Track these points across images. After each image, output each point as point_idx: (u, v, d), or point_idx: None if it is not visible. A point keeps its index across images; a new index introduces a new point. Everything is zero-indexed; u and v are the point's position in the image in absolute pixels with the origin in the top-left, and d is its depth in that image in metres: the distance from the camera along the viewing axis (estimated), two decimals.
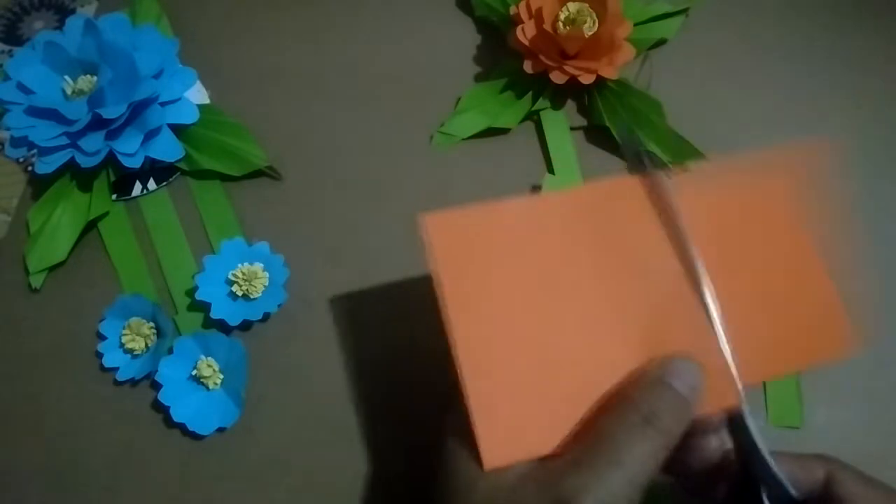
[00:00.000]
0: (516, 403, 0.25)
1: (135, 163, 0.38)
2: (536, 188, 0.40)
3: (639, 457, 0.23)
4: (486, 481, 0.24)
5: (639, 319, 0.26)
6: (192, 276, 0.37)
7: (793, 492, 0.25)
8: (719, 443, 0.27)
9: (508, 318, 0.26)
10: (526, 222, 0.27)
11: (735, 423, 0.26)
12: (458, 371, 0.25)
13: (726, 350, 0.26)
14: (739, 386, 0.25)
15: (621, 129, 0.39)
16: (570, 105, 0.43)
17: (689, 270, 0.27)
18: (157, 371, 0.35)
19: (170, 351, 0.35)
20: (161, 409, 0.35)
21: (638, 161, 0.29)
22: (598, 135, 0.42)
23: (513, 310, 0.26)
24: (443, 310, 0.25)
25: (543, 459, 0.24)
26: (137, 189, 0.41)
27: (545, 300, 0.26)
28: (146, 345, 0.36)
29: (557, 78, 0.40)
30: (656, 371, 0.25)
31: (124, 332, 0.36)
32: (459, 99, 0.43)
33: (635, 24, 0.42)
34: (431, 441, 0.27)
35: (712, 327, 0.26)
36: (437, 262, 0.25)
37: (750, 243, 0.28)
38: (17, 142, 0.38)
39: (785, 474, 0.25)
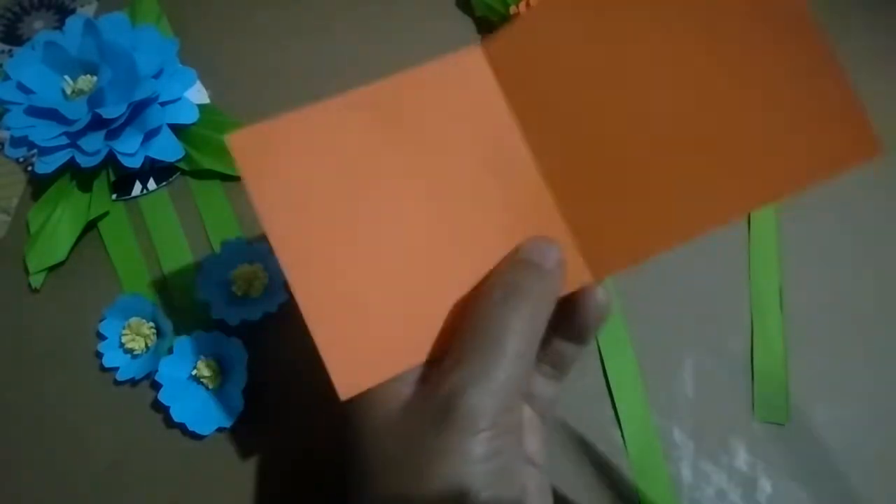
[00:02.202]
0: (365, 322, 0.23)
1: (135, 163, 0.38)
2: None
3: (514, 330, 0.22)
4: (379, 409, 0.23)
5: (486, 209, 0.25)
6: (192, 276, 0.37)
7: None
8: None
9: (340, 232, 0.24)
10: (343, 121, 0.24)
11: None
12: (296, 300, 0.23)
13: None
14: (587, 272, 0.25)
15: None
16: None
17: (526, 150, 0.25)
18: (157, 371, 0.35)
19: (170, 351, 0.35)
20: (161, 408, 0.35)
21: None
22: None
23: (344, 222, 0.24)
24: (266, 234, 0.23)
25: (426, 378, 0.23)
26: (137, 189, 0.41)
27: (377, 205, 0.24)
28: (146, 345, 0.36)
29: None
30: (512, 253, 0.24)
31: (124, 331, 0.36)
32: None
33: None
34: None
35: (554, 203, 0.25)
36: (250, 182, 0.23)
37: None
38: (16, 142, 0.38)
39: None
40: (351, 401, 0.23)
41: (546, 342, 0.27)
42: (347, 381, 0.23)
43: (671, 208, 0.23)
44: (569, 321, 0.27)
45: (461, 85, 0.25)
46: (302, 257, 0.23)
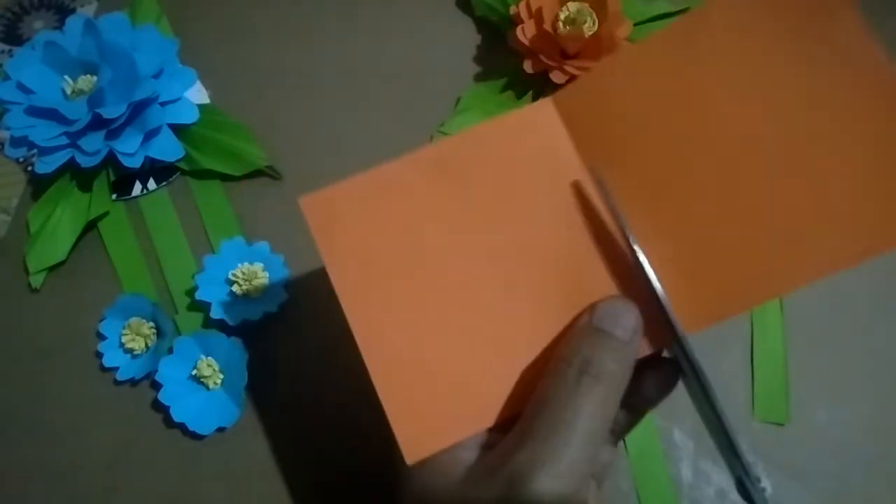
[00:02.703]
0: (432, 386, 0.23)
1: (135, 163, 0.38)
2: None
3: (586, 413, 0.21)
4: (439, 478, 0.22)
5: (556, 268, 0.24)
6: (192, 276, 0.37)
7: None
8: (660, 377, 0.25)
9: (407, 293, 0.24)
10: (412, 182, 0.24)
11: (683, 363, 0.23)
12: (365, 363, 0.23)
13: (657, 286, 0.23)
14: (678, 325, 0.23)
15: None
16: None
17: (597, 203, 0.24)
18: (157, 371, 0.35)
19: (170, 351, 0.35)
20: (161, 408, 0.35)
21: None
22: None
23: (411, 283, 0.24)
24: (338, 298, 0.23)
25: (491, 443, 0.23)
26: (137, 189, 0.41)
27: (444, 265, 0.24)
28: (146, 344, 0.36)
29: (557, 78, 0.40)
30: (584, 319, 0.23)
31: (124, 331, 0.36)
32: (459, 99, 0.43)
33: (635, 24, 0.42)
34: None
35: (638, 264, 0.23)
36: (322, 247, 0.24)
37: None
38: (17, 141, 0.38)
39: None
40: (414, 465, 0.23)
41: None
42: (414, 446, 0.23)
43: (755, 268, 0.23)
44: (632, 390, 0.24)
45: (531, 139, 0.25)
46: (371, 319, 0.23)
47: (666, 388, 0.25)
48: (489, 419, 0.23)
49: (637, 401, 0.25)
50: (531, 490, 0.20)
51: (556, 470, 0.20)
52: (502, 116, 0.24)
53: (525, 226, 0.24)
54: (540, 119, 0.25)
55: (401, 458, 0.23)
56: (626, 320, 0.22)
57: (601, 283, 0.24)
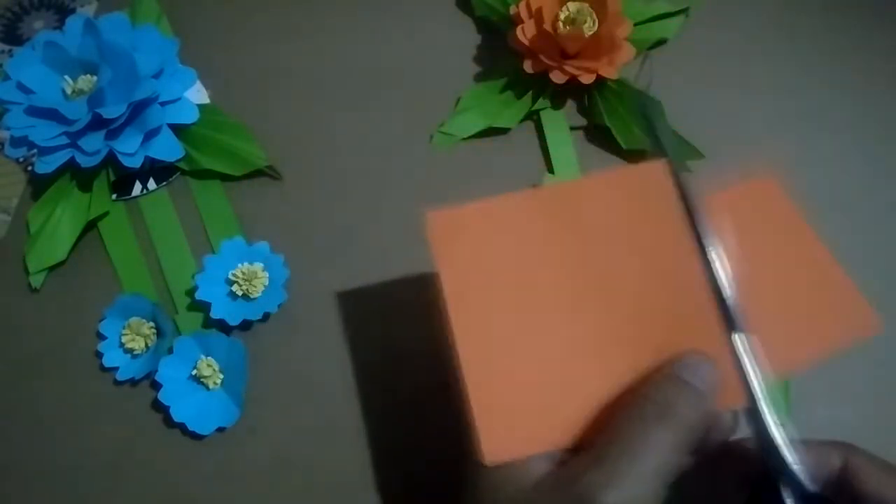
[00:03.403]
0: (518, 399, 0.25)
1: (135, 163, 0.38)
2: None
3: (658, 449, 0.22)
4: (510, 485, 0.24)
5: (648, 315, 0.26)
6: (192, 276, 0.37)
7: (809, 486, 0.24)
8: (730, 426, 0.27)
9: (510, 313, 0.26)
10: (527, 216, 0.27)
11: (752, 417, 0.25)
12: (459, 367, 0.25)
13: (739, 346, 0.25)
14: (756, 384, 0.25)
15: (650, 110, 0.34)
16: (570, 105, 0.43)
17: (696, 264, 0.26)
18: (157, 371, 0.35)
19: (170, 351, 0.35)
20: (161, 408, 0.35)
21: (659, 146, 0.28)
22: (598, 135, 0.42)
23: (515, 305, 0.26)
24: (444, 306, 0.25)
25: (563, 460, 0.24)
26: (137, 189, 0.41)
27: (548, 295, 0.26)
28: (146, 344, 0.36)
29: (557, 78, 0.40)
30: (670, 366, 0.24)
31: (124, 331, 0.36)
32: (459, 99, 0.43)
33: (635, 24, 0.42)
34: (430, 440, 0.27)
35: (725, 323, 0.25)
36: (439, 259, 0.26)
37: (760, 237, 0.28)
38: (16, 141, 0.38)
39: (801, 467, 0.25)
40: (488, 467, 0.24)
41: None
42: (494, 448, 0.24)
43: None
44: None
45: (641, 195, 0.27)
46: (470, 327, 0.25)
47: (727, 435, 0.27)
48: (566, 439, 0.25)
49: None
50: None
51: (623, 495, 0.21)
52: (619, 169, 0.27)
53: (625, 271, 0.26)
54: (652, 177, 0.27)
55: (474, 459, 0.24)
56: (706, 373, 0.24)
57: (686, 337, 0.25)
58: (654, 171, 0.27)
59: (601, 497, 0.21)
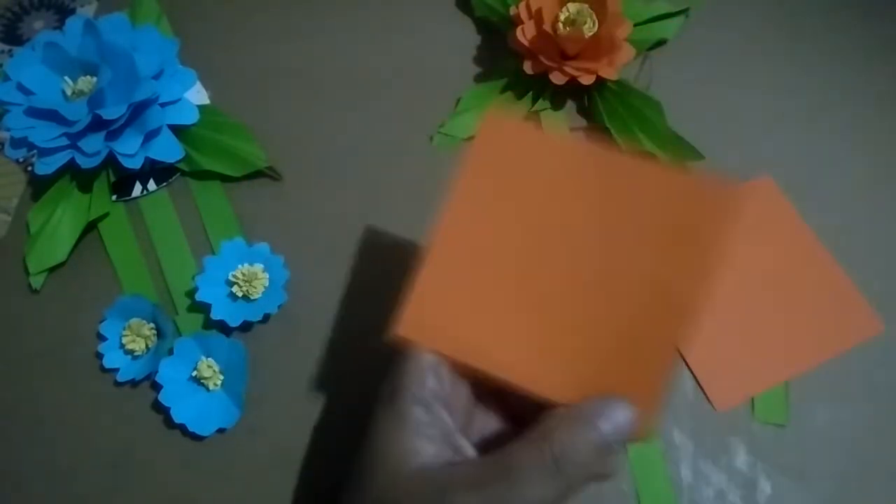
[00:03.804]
0: (458, 302, 0.26)
1: (135, 163, 0.38)
2: None
3: (534, 497, 0.22)
4: (394, 461, 0.24)
5: (615, 306, 0.25)
6: (193, 277, 0.37)
7: None
8: None
9: (499, 233, 0.26)
10: (571, 163, 0.27)
11: None
12: (426, 254, 0.26)
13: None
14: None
15: None
16: (570, 105, 0.43)
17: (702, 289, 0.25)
18: (157, 372, 0.35)
19: (170, 352, 0.35)
20: (161, 410, 0.35)
21: None
22: (597, 135, 0.41)
23: (507, 229, 0.26)
24: (449, 197, 0.26)
25: (454, 462, 0.24)
26: (137, 190, 0.41)
27: (543, 236, 0.26)
28: (146, 346, 0.36)
29: (557, 79, 0.40)
30: (585, 408, 0.23)
31: (124, 332, 0.36)
32: (459, 99, 0.43)
33: (635, 25, 0.42)
34: None
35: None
36: (473, 156, 0.27)
37: (760, 239, 0.28)
38: (17, 142, 0.38)
39: None
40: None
41: None
42: (412, 326, 0.25)
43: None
44: None
45: (692, 203, 0.26)
46: (459, 227, 0.26)
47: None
48: (479, 360, 0.25)
49: None
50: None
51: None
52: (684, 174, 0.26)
53: (622, 258, 0.26)
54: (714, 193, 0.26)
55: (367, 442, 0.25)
56: (619, 418, 0.23)
57: (632, 345, 0.25)
58: (722, 194, 0.26)
59: None
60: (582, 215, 0.26)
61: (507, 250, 0.26)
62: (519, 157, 0.27)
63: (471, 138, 0.41)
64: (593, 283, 0.26)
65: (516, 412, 0.28)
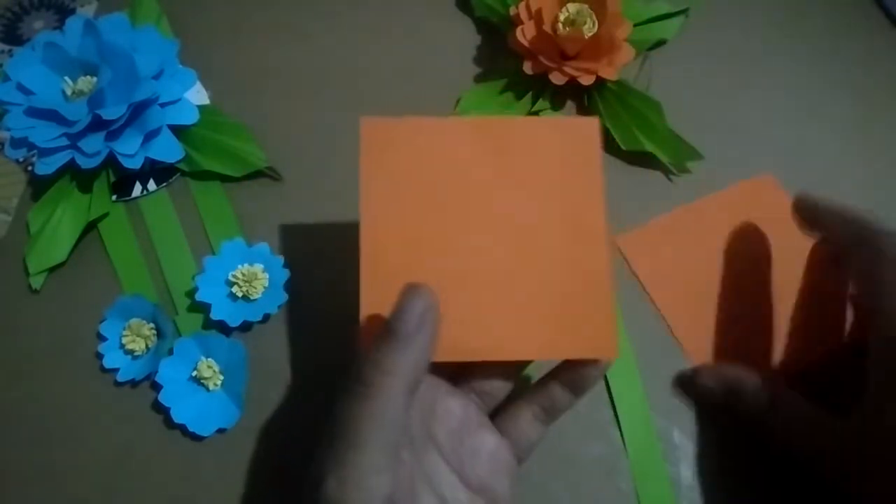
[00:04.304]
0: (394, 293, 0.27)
1: (135, 164, 0.38)
2: None
3: (353, 425, 0.23)
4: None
5: (536, 256, 0.28)
6: (193, 277, 0.37)
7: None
8: None
9: (416, 222, 0.28)
10: (456, 140, 0.29)
11: None
12: (361, 262, 0.27)
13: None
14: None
15: None
16: (570, 106, 0.43)
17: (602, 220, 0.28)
18: (157, 372, 0.35)
19: (170, 352, 0.35)
20: (161, 410, 0.35)
21: None
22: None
23: (421, 216, 0.28)
24: (360, 206, 0.28)
25: None
26: (137, 190, 0.41)
27: (454, 214, 0.28)
28: (146, 346, 0.36)
29: (557, 79, 0.40)
30: (387, 322, 0.25)
31: (124, 332, 0.36)
32: (459, 100, 0.43)
33: (635, 25, 0.42)
34: None
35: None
36: (364, 162, 0.28)
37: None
38: (16, 142, 0.38)
39: None
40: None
41: (542, 384, 0.29)
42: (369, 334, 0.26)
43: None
44: (569, 371, 0.29)
45: (568, 145, 0.29)
46: (378, 227, 0.28)
47: (601, 372, 0.29)
48: (462, 354, 0.27)
49: (572, 382, 0.29)
50: (326, 497, 0.22)
51: (340, 476, 0.23)
52: (552, 118, 0.31)
53: (528, 212, 0.28)
54: (583, 130, 0.30)
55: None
56: (417, 306, 0.25)
57: (565, 286, 0.28)
58: (586, 126, 0.29)
59: (327, 481, 0.23)
60: (483, 184, 0.28)
61: (430, 238, 0.28)
62: (408, 148, 0.28)
63: None
64: (516, 243, 0.28)
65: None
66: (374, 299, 0.27)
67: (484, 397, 0.30)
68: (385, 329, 0.24)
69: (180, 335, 0.37)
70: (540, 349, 0.27)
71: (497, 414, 0.30)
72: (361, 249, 0.28)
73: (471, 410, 0.29)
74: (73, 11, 0.47)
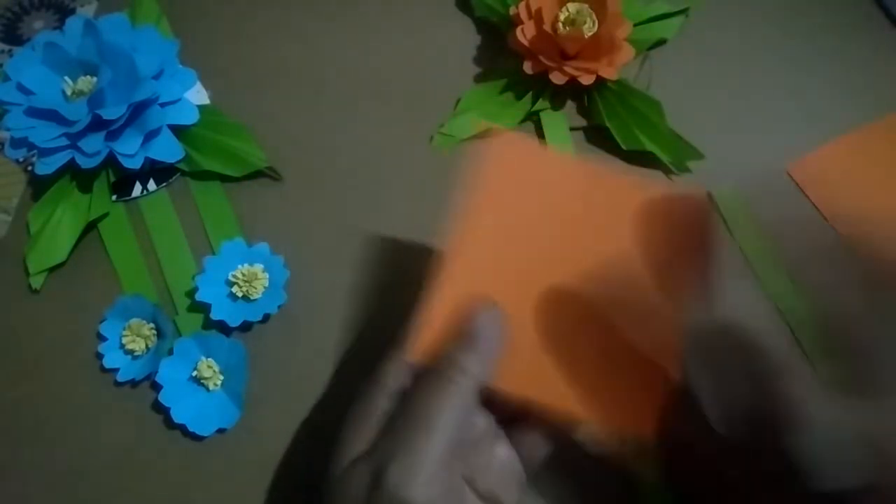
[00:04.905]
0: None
1: (135, 164, 0.38)
2: None
3: (437, 413, 0.24)
4: (336, 463, 0.25)
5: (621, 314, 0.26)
6: (193, 277, 0.37)
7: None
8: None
9: (506, 254, 0.27)
10: (570, 182, 0.27)
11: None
12: (439, 275, 0.27)
13: None
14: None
15: None
16: (570, 105, 0.43)
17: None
18: (157, 372, 0.35)
19: (170, 352, 0.35)
20: (161, 410, 0.35)
21: None
22: (597, 135, 0.42)
23: (512, 249, 0.27)
24: (459, 216, 0.27)
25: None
26: (137, 190, 0.41)
27: (541, 258, 0.27)
28: (146, 346, 0.36)
29: (557, 78, 0.40)
30: (464, 325, 0.25)
31: (125, 332, 0.36)
32: (459, 99, 0.43)
33: (635, 25, 0.42)
34: None
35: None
36: (482, 177, 0.27)
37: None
38: (17, 143, 0.38)
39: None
40: None
41: None
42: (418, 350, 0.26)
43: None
44: None
45: (677, 217, 0.27)
46: (467, 252, 0.27)
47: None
48: (514, 389, 0.26)
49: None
50: (387, 482, 0.22)
51: (406, 463, 0.23)
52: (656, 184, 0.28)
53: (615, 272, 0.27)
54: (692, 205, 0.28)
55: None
56: (491, 326, 0.25)
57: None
58: (698, 203, 0.28)
59: (389, 468, 0.22)
60: (582, 236, 0.27)
61: (513, 274, 0.27)
62: (523, 177, 0.27)
63: (471, 138, 0.41)
64: (595, 302, 0.26)
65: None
66: (441, 312, 0.27)
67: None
68: (466, 332, 0.25)
69: (180, 335, 0.37)
70: (584, 411, 0.26)
71: (511, 425, 0.30)
72: (445, 261, 0.27)
73: (492, 423, 0.29)
74: (73, 11, 0.47)
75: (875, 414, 0.20)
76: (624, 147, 0.40)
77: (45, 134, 0.37)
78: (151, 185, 0.41)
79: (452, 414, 0.24)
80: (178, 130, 0.40)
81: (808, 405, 0.20)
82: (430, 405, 0.24)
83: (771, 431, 0.21)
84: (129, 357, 0.36)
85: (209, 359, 0.35)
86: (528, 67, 0.41)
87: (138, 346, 0.36)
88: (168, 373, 0.35)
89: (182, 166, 0.40)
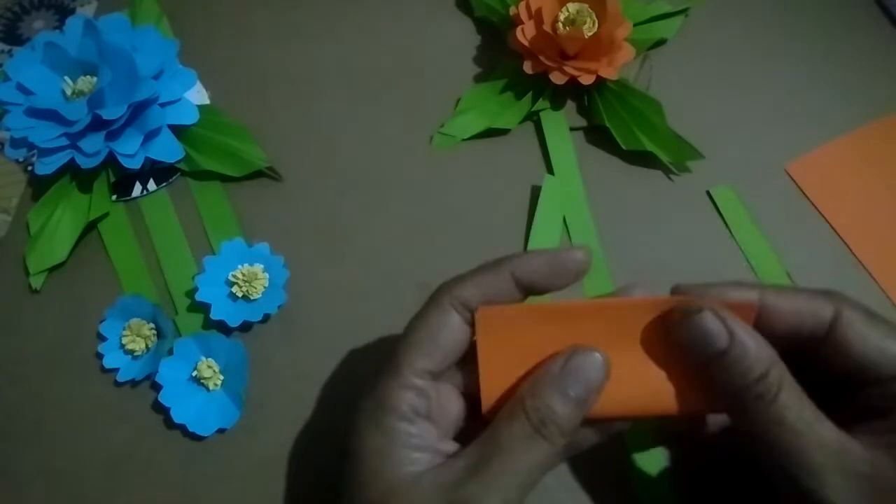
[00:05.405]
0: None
1: (135, 164, 0.38)
2: (536, 189, 0.40)
3: (529, 465, 0.23)
4: (390, 472, 0.24)
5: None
6: (193, 277, 0.37)
7: None
8: None
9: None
10: (557, 324, 0.26)
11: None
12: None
13: None
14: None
15: None
16: (570, 105, 0.43)
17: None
18: (157, 372, 0.35)
19: (170, 352, 0.35)
20: (161, 410, 0.35)
21: None
22: (597, 135, 0.42)
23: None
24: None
25: (446, 459, 0.25)
26: (137, 190, 0.41)
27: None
28: (146, 346, 0.36)
29: (557, 78, 0.40)
30: (555, 369, 0.24)
31: (124, 332, 0.36)
32: (459, 99, 0.43)
33: (635, 25, 0.42)
34: None
35: None
36: (481, 347, 0.26)
37: None
38: (17, 143, 0.38)
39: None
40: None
41: None
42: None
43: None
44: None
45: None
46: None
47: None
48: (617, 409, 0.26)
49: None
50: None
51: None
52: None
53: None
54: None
55: (353, 450, 0.25)
56: (588, 373, 0.24)
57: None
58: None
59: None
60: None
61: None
62: (521, 332, 0.26)
63: (472, 138, 0.41)
64: None
65: None
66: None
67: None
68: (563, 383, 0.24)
69: (180, 335, 0.37)
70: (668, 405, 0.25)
71: None
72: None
73: None
74: (73, 11, 0.47)
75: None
76: (624, 147, 0.40)
77: (45, 134, 0.37)
78: (151, 185, 0.41)
79: (540, 468, 0.24)
80: (178, 130, 0.40)
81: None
82: (519, 455, 0.23)
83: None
84: (129, 357, 0.36)
85: (209, 359, 0.35)
86: (528, 67, 0.41)
87: (138, 346, 0.36)
88: (168, 373, 0.35)
89: (182, 166, 0.40)
